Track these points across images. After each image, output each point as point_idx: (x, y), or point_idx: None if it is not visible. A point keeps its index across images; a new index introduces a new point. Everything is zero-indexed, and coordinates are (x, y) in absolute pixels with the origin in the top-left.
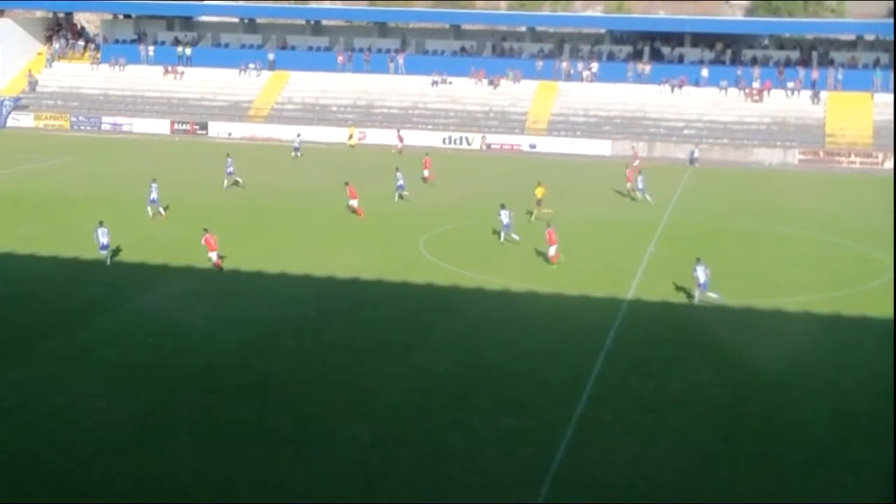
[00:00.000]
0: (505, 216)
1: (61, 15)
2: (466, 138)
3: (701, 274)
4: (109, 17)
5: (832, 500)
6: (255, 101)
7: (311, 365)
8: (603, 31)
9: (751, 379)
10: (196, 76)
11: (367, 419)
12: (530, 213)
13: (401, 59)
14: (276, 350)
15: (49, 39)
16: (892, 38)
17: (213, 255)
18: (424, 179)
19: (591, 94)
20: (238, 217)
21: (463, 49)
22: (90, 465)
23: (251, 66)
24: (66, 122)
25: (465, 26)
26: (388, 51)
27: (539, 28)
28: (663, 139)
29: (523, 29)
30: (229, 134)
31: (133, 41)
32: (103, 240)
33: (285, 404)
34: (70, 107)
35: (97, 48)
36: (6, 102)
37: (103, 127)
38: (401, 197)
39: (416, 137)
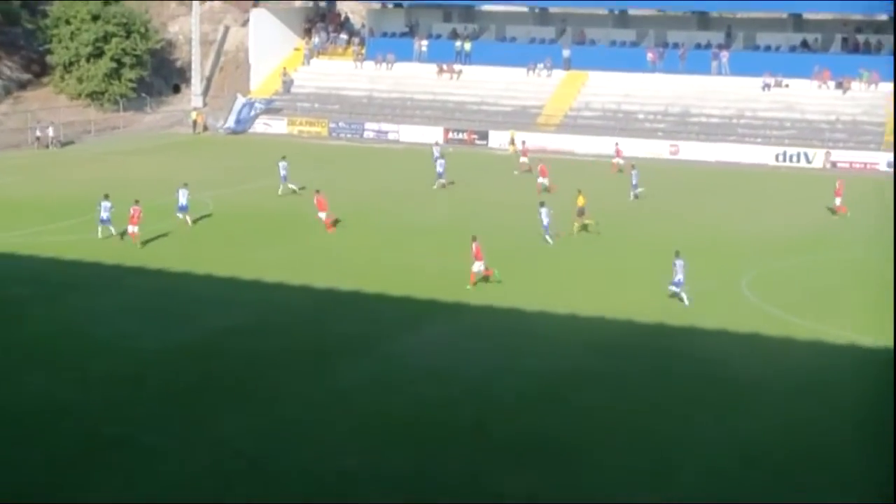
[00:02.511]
0: (545, 215)
1: (323, 4)
2: (806, 154)
3: (679, 270)
4: (377, 6)
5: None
6: (546, 107)
7: (607, 427)
8: None
9: None
10: (476, 76)
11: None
12: (585, 227)
13: (724, 56)
14: (561, 407)
15: (308, 32)
16: None
17: (323, 216)
18: (547, 189)
19: None
20: (516, 244)
21: (804, 44)
22: None
23: (542, 64)
24: (323, 129)
25: (807, 16)
26: (710, 46)
27: None
28: None
29: (884, 18)
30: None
31: (403, 34)
32: (104, 214)
33: (571, 471)
34: (329, 111)
35: (362, 42)
36: (256, 105)
37: (366, 135)
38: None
39: (740, 153)
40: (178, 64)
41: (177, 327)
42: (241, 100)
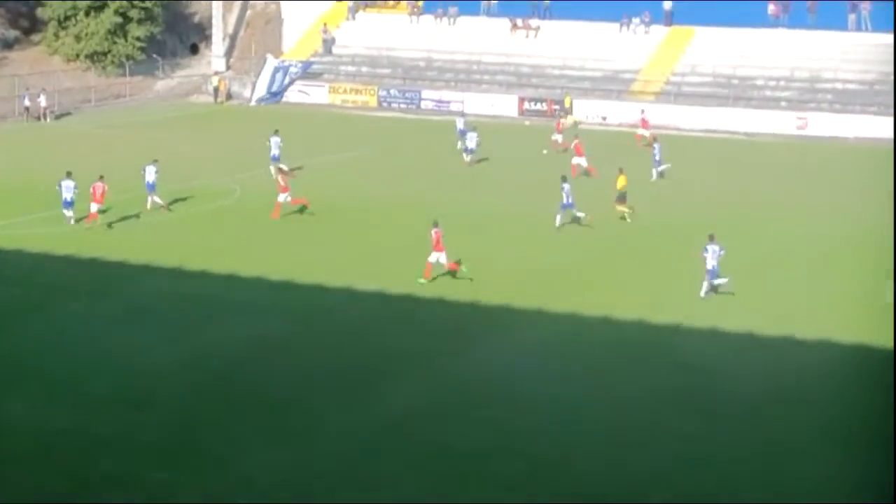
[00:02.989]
0: (566, 192)
1: None
2: None
3: (710, 257)
4: None
5: None
6: (642, 72)
7: (734, 469)
8: None
9: None
10: (557, 34)
11: None
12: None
13: (866, 8)
14: (660, 439)
15: None
16: None
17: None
18: (587, 172)
19: None
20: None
21: None
22: None
23: (637, 19)
24: (371, 98)
25: None
26: None
27: None
28: None
29: None
30: (603, 118)
31: None
32: (67, 195)
33: None
34: (378, 76)
35: None
36: (291, 69)
37: (423, 105)
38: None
39: (883, 127)
40: (197, 19)
41: (192, 339)
42: (272, 62)
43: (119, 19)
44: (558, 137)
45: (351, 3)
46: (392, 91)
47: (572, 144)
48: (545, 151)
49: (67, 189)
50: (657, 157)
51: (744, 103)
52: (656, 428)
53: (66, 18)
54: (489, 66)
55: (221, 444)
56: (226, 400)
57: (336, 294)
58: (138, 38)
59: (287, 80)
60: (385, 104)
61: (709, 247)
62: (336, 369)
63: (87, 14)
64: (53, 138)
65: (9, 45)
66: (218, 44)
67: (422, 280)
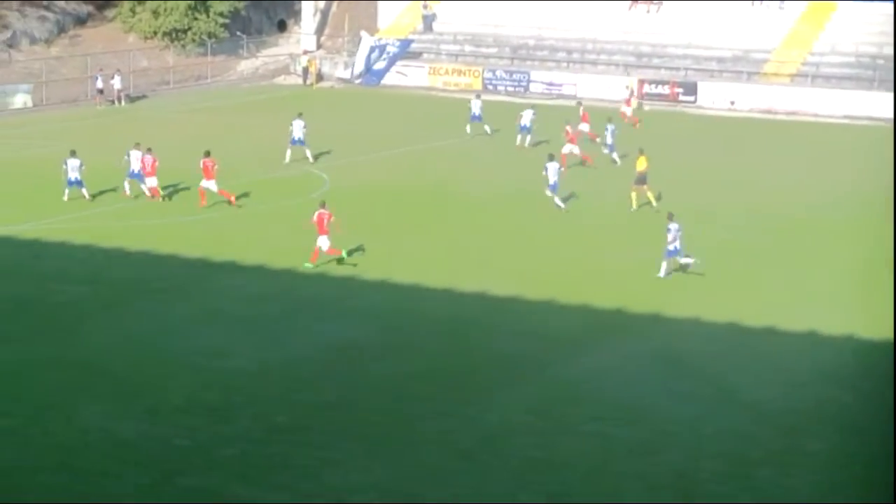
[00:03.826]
0: (552, 171)
1: None
2: None
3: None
4: None
5: None
6: (776, 51)
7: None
8: None
9: None
10: (681, 10)
11: None
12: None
13: None
14: (795, 461)
15: None
16: None
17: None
18: (583, 162)
19: None
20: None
21: None
22: None
23: None
24: (476, 80)
25: None
26: None
27: None
28: None
29: None
30: (731, 103)
31: None
32: (72, 175)
33: None
34: (483, 56)
35: None
36: (388, 48)
37: (532, 88)
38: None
39: None
40: None
41: (277, 342)
42: (367, 41)
43: None
44: (627, 111)
45: None
46: (498, 72)
47: (564, 130)
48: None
49: (73, 168)
50: (609, 141)
51: (888, 86)
52: (790, 450)
53: None
54: (605, 46)
55: (310, 456)
56: (314, 408)
57: (434, 295)
58: (221, 14)
59: (385, 61)
60: (490, 86)
61: (670, 226)
62: (434, 376)
63: None
64: (128, 123)
65: (81, 21)
66: (308, 20)
67: (307, 264)
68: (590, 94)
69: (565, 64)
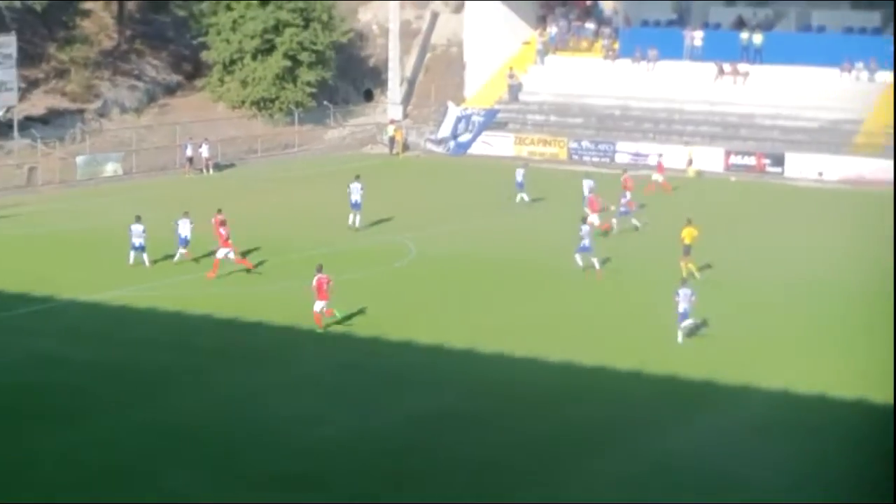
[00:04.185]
0: (586, 234)
1: None
2: None
3: (683, 300)
4: None
5: None
6: (867, 122)
7: None
8: None
9: None
10: (768, 79)
11: None
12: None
13: None
14: None
15: (542, 21)
16: None
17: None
18: (604, 232)
19: None
20: None
21: None
22: None
23: (861, 63)
24: (561, 150)
25: None
26: None
27: None
28: None
29: None
30: (819, 174)
31: (670, 23)
32: (136, 240)
33: None
34: (569, 126)
35: (614, 34)
36: (473, 117)
37: (618, 158)
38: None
39: None
40: (372, 62)
41: (364, 411)
42: (454, 110)
43: (288, 63)
44: (658, 178)
45: (540, 46)
46: (584, 143)
47: (586, 198)
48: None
49: (137, 234)
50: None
51: None
52: None
53: (232, 62)
54: (691, 115)
55: None
56: (404, 479)
57: (521, 364)
58: (308, 84)
59: (471, 132)
60: (576, 156)
61: (680, 291)
62: (521, 446)
63: (254, 58)
64: (216, 191)
65: (171, 90)
66: (394, 90)
67: (319, 329)
68: (676, 164)
69: (651, 134)
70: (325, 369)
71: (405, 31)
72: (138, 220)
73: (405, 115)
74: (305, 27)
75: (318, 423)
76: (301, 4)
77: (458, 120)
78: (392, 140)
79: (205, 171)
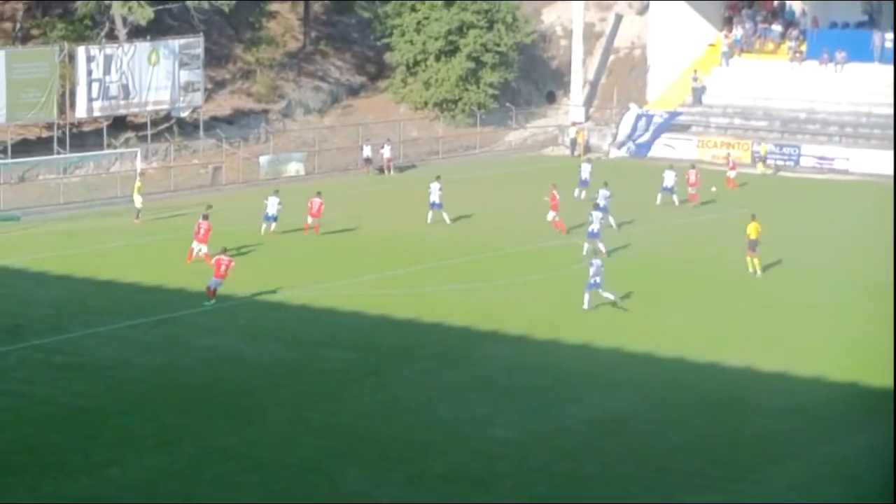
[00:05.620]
0: (597, 221)
1: None
2: None
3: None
4: None
5: None
6: None
7: None
8: None
9: None
10: None
11: None
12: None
13: None
14: None
15: (728, 22)
16: None
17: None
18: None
19: None
20: None
21: None
22: None
23: None
24: (745, 153)
25: None
26: None
27: None
28: None
29: None
30: None
31: (860, 25)
32: (271, 210)
33: None
34: (753, 129)
35: (802, 36)
36: (655, 119)
37: (803, 162)
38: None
39: None
40: (554, 64)
41: (540, 413)
42: (634, 111)
43: (472, 65)
44: (731, 174)
45: (725, 48)
46: (768, 146)
47: (547, 196)
48: (714, 189)
49: (272, 205)
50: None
51: None
52: None
53: (416, 64)
54: (880, 119)
55: None
56: (575, 480)
57: (700, 368)
58: (491, 85)
59: (651, 132)
60: (759, 159)
61: (593, 261)
62: (698, 450)
63: (437, 59)
64: (397, 192)
65: (354, 91)
66: (577, 92)
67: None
68: (863, 168)
69: (837, 138)
70: (501, 371)
71: (589, 32)
72: (276, 193)
73: (587, 118)
74: (489, 28)
75: (492, 424)
76: (485, 5)
77: (638, 119)
78: (574, 142)
79: (386, 171)
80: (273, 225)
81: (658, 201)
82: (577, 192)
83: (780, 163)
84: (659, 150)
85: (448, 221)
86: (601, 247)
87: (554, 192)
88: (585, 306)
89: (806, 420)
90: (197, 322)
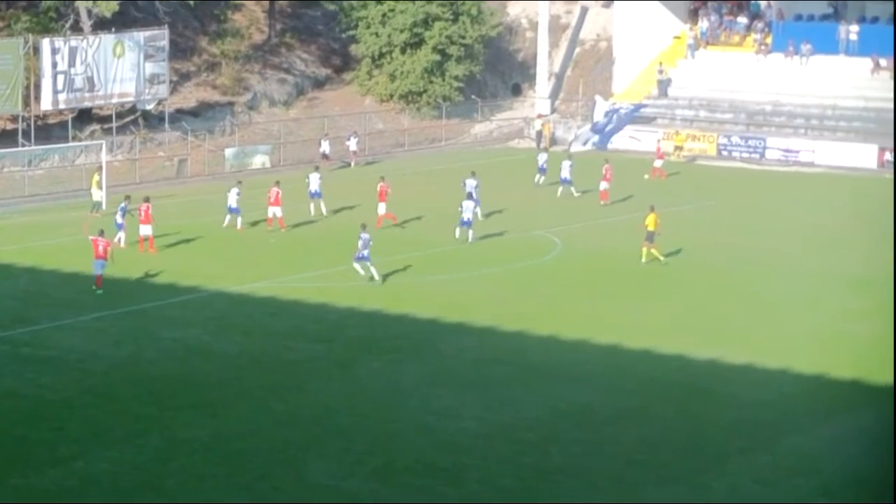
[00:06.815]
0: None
1: None
2: None
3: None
4: None
5: None
6: None
7: None
8: None
9: None
10: None
11: None
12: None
13: None
14: None
15: (694, 15)
16: None
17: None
18: (392, 221)
19: None
20: None
21: None
22: None
23: None
24: (710, 145)
25: None
26: None
27: None
28: None
29: None
30: None
31: (825, 17)
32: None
33: None
34: (718, 121)
35: (767, 28)
36: (620, 111)
37: (768, 154)
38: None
39: None
40: (520, 57)
41: (506, 405)
42: (602, 104)
43: (437, 57)
44: (658, 163)
45: (691, 41)
46: (733, 138)
47: (378, 187)
48: (646, 176)
49: (233, 196)
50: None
51: None
52: None
53: (381, 56)
54: (846, 112)
55: None
56: (541, 472)
57: (667, 360)
58: (456, 78)
59: (613, 124)
60: (725, 153)
61: (362, 235)
62: (664, 442)
63: (402, 52)
64: (363, 184)
65: (320, 84)
66: (542, 84)
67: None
68: (828, 161)
69: (803, 130)
70: (468, 363)
71: (554, 25)
72: (238, 184)
73: (553, 110)
74: (454, 21)
75: (458, 416)
76: None
77: (607, 114)
78: (539, 134)
79: (353, 164)
80: (239, 219)
81: (558, 194)
82: (537, 178)
83: (745, 155)
84: (624, 142)
85: (324, 213)
86: (470, 234)
87: (383, 185)
88: (361, 272)
89: (772, 412)
90: (163, 314)
